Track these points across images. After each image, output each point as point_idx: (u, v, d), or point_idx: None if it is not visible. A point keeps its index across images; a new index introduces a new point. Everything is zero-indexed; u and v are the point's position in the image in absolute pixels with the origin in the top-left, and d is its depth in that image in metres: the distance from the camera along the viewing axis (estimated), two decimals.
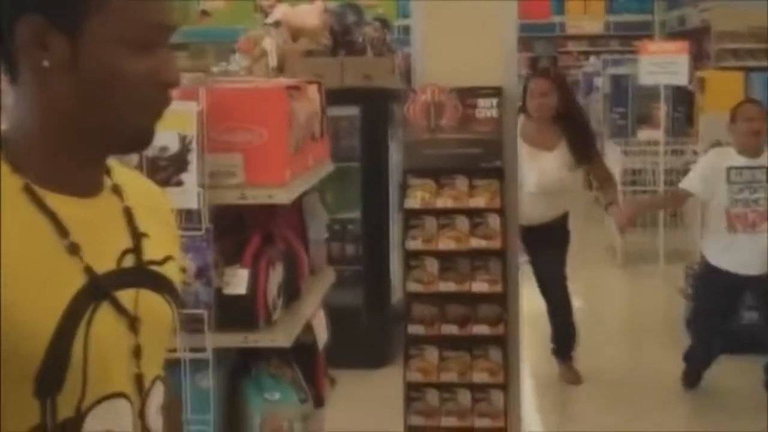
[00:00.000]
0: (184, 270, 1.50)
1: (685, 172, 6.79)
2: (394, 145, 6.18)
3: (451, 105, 4.15)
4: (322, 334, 3.20)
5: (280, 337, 2.85)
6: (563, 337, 6.03)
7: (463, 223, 4.13)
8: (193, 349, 2.74)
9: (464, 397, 4.15)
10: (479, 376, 4.14)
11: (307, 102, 3.13)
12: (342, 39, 6.30)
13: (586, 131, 5.93)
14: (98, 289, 1.29)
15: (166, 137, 2.68)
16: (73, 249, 1.28)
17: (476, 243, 4.11)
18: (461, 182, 4.14)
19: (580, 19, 21.19)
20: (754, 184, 5.34)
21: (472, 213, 4.12)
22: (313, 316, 3.15)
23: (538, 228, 5.55)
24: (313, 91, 3.26)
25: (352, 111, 6.21)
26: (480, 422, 4.14)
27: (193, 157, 2.74)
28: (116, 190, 1.39)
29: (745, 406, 5.41)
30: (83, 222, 1.30)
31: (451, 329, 4.15)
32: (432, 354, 4.17)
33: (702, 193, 5.57)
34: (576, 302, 6.12)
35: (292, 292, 3.02)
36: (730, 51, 14.32)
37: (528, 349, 5.04)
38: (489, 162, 4.14)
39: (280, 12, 4.82)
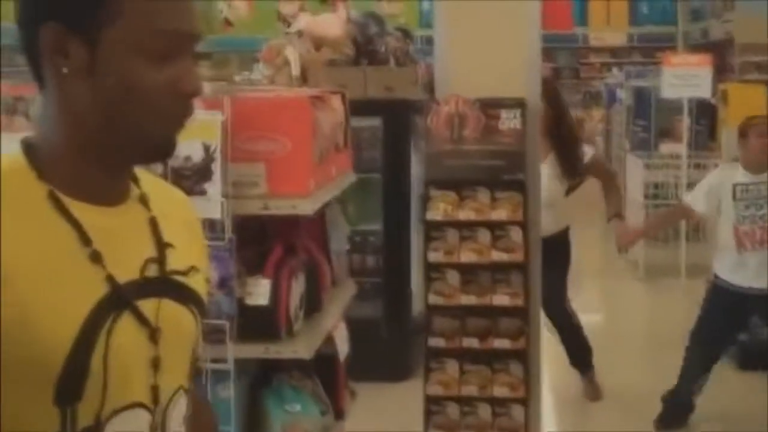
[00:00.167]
0: (208, 281, 1.48)
1: None
2: (416, 156, 6.17)
3: (474, 116, 4.12)
4: (343, 346, 3.18)
5: (302, 348, 2.83)
6: (573, 353, 5.98)
7: (484, 235, 4.10)
8: (214, 360, 2.73)
9: (485, 412, 4.12)
10: (500, 391, 4.10)
11: (330, 112, 3.12)
12: (364, 49, 6.29)
13: (575, 145, 5.81)
14: (119, 299, 1.28)
15: (190, 146, 2.68)
16: (96, 257, 1.27)
17: (498, 256, 4.08)
18: (483, 194, 4.11)
19: (602, 30, 21.19)
20: (760, 200, 5.29)
21: (493, 226, 4.09)
22: (334, 327, 3.13)
23: None
24: (336, 101, 3.25)
25: (374, 122, 6.20)
26: None
27: (216, 167, 2.73)
28: (143, 199, 1.38)
29: (763, 422, 5.34)
30: (106, 231, 1.30)
31: (471, 342, 4.11)
32: (453, 367, 4.14)
33: (705, 212, 5.52)
34: (597, 316, 6.08)
35: (313, 303, 3.01)
36: (753, 64, 14.26)
37: (548, 363, 5.00)
38: (511, 174, 4.11)
39: (302, 21, 4.80)
